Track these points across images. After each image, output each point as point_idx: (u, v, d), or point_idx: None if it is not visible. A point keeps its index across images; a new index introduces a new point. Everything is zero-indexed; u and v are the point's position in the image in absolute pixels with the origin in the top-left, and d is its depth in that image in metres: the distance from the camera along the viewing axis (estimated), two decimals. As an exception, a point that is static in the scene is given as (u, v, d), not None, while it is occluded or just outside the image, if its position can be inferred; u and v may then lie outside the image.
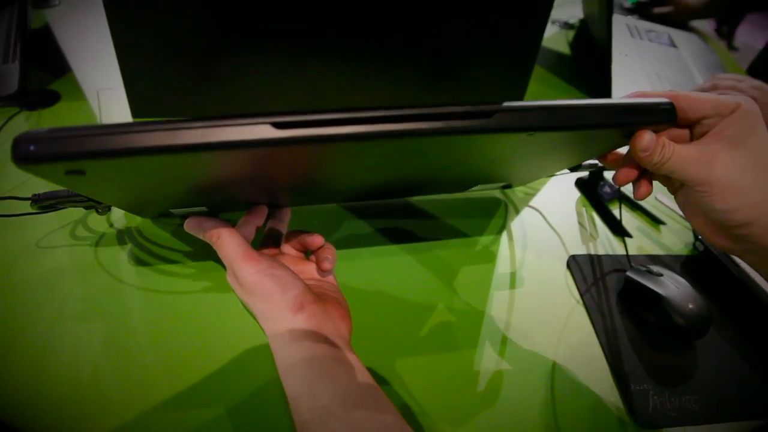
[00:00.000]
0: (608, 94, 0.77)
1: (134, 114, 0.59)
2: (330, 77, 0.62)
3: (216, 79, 0.59)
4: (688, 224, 0.57)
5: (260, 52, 0.57)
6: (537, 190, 0.59)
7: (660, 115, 0.31)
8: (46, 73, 0.65)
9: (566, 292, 0.49)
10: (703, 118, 0.31)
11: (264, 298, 0.35)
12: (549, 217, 0.56)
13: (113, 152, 0.24)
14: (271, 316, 0.35)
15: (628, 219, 0.58)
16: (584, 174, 0.62)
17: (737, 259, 0.51)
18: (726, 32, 2.08)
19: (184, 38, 0.55)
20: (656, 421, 0.40)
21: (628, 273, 0.50)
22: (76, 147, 0.24)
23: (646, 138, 0.31)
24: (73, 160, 0.25)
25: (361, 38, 0.60)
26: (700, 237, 0.54)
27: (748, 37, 2.36)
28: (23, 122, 0.57)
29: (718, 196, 0.30)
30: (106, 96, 0.62)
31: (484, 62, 0.65)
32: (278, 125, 0.26)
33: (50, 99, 0.61)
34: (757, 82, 0.74)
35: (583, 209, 0.58)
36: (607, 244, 0.54)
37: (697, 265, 0.53)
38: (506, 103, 0.28)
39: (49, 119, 0.58)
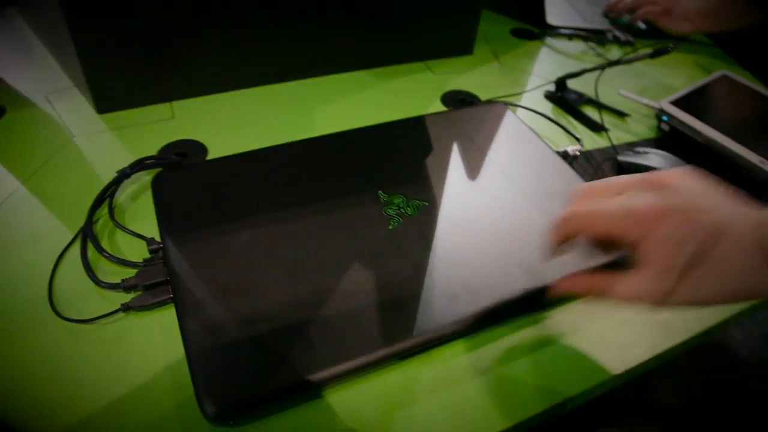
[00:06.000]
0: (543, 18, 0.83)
1: (99, 110, 0.55)
2: (284, 46, 0.61)
3: (176, 61, 0.56)
4: (650, 111, 0.64)
5: (219, 29, 0.56)
6: (515, 109, 0.63)
7: None
8: (-23, 88, 0.58)
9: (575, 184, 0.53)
10: None
11: None
12: (539, 131, 0.60)
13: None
14: None
15: (598, 117, 0.63)
16: (550, 87, 0.67)
17: (700, 128, 0.58)
18: None
19: (142, 27, 0.52)
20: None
21: (619, 157, 0.55)
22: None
23: None
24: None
25: (313, 8, 0.59)
26: (664, 118, 0.61)
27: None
28: (-28, 143, 0.51)
29: None
30: (57, 98, 0.57)
31: (434, 15, 0.67)
32: None
33: (-5, 113, 0.55)
34: None
35: (561, 117, 0.63)
36: (590, 140, 0.60)
37: (667, 142, 0.60)
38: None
39: (2, 134, 0.53)
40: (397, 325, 0.35)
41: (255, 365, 0.32)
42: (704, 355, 1.59)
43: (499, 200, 0.45)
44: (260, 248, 0.38)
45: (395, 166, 0.47)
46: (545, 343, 0.38)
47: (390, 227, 0.41)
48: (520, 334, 0.38)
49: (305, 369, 0.32)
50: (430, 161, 0.48)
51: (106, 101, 0.55)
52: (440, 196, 0.44)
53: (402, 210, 0.42)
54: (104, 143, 0.52)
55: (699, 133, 0.58)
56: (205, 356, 0.32)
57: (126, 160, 0.48)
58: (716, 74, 0.68)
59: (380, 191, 0.44)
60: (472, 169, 0.48)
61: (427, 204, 0.43)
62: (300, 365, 0.32)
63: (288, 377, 0.31)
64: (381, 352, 0.33)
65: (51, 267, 0.39)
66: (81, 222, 0.42)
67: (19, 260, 0.40)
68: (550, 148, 0.52)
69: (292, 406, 0.33)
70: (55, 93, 0.58)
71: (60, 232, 0.42)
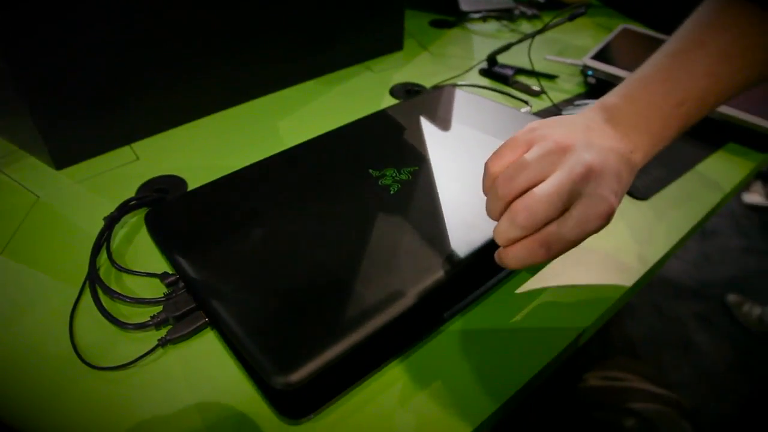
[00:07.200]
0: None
1: (58, 166, 0.54)
2: (231, 73, 0.62)
3: (128, 104, 0.56)
4: (574, 70, 0.71)
5: (165, 66, 0.56)
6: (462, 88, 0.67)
7: None
8: None
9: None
10: None
11: None
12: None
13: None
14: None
15: (531, 83, 0.69)
16: (483, 65, 0.72)
17: (621, 75, 0.65)
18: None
19: (90, 77, 0.52)
20: (646, 192, 0.52)
21: (563, 113, 0.61)
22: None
23: None
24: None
25: (250, 32, 0.60)
26: (589, 73, 0.68)
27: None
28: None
29: None
30: (6, 165, 0.54)
31: (363, 20, 0.71)
32: None
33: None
34: None
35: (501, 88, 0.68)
36: (534, 104, 0.65)
37: (596, 92, 0.67)
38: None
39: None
40: (436, 255, 0.37)
41: (313, 336, 0.32)
42: (652, 289, 1.74)
43: (482, 149, 0.47)
44: (279, 242, 0.39)
45: (376, 151, 0.50)
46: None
47: (392, 192, 0.43)
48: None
49: (361, 319, 0.33)
50: (408, 138, 0.51)
51: (63, 156, 0.53)
52: (427, 159, 0.48)
53: (396, 177, 0.45)
54: (73, 197, 0.51)
55: (622, 79, 0.65)
56: (264, 343, 0.32)
57: (102, 208, 0.47)
58: (618, 29, 0.77)
59: (370, 170, 0.46)
60: (448, 133, 0.52)
61: (417, 168, 0.46)
62: (356, 318, 0.33)
63: (346, 330, 0.32)
64: (433, 278, 0.36)
65: (66, 324, 0.38)
66: (78, 276, 0.41)
67: (29, 327, 0.38)
68: (508, 106, 0.56)
69: (351, 385, 0.34)
70: (4, 157, 0.55)
71: (61, 289, 0.41)
